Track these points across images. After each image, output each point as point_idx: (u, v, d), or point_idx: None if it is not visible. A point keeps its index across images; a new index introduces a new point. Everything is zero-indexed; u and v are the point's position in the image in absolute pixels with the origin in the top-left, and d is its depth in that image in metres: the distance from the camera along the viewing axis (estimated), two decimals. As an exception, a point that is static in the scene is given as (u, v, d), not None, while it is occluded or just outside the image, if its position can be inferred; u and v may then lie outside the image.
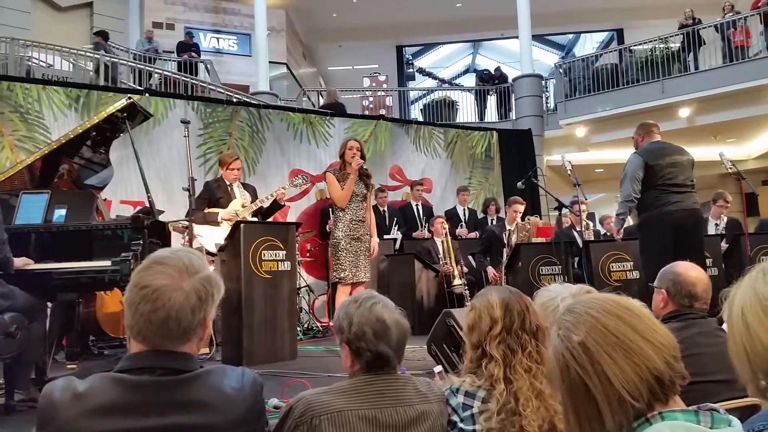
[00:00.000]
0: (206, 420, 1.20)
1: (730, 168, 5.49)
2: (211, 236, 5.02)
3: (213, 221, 5.07)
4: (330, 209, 4.98)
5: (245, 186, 5.47)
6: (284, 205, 5.48)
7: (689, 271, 2.29)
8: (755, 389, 1.04)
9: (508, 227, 6.63)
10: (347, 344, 1.63)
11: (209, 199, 5.22)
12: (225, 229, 5.04)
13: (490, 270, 6.55)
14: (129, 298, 1.25)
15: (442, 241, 6.76)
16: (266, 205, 5.32)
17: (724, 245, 6.37)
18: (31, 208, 3.70)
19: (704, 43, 11.40)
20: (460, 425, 1.71)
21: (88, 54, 10.70)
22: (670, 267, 2.32)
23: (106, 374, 1.22)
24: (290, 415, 1.54)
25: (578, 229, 6.30)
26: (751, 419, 1.07)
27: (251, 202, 5.30)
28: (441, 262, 6.74)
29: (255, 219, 5.17)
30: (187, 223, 4.59)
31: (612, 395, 0.95)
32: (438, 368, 2.57)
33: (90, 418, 1.14)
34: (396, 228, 7.51)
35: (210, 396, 1.23)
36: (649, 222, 4.62)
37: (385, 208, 7.63)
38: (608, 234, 7.00)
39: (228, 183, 5.31)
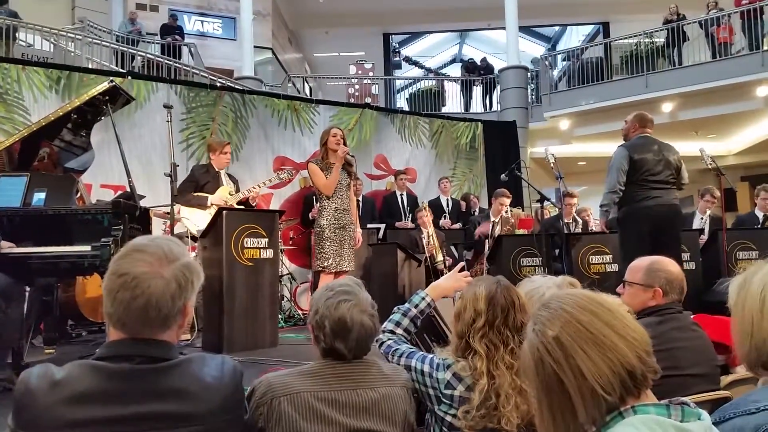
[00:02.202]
0: (185, 408, 1.20)
1: (710, 164, 5.56)
2: (198, 220, 4.99)
3: (201, 205, 5.04)
4: (314, 197, 4.97)
5: (229, 176, 5.45)
6: (255, 205, 5.46)
7: (673, 267, 2.33)
8: (747, 363, 1.10)
9: (492, 219, 6.66)
10: (311, 327, 1.68)
11: (197, 183, 5.18)
12: (211, 214, 5.02)
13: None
14: (108, 286, 1.24)
15: (428, 232, 6.77)
16: (248, 195, 5.31)
17: (703, 238, 6.48)
18: (10, 191, 3.64)
19: (688, 39, 11.50)
20: (438, 395, 1.78)
21: (69, 35, 10.51)
22: (656, 264, 2.33)
23: (84, 362, 1.21)
24: (252, 396, 1.57)
25: (566, 220, 6.34)
26: (722, 408, 1.11)
27: (236, 192, 5.31)
28: (426, 249, 6.77)
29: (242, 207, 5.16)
30: (168, 209, 4.55)
31: (585, 389, 0.97)
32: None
33: (68, 406, 1.14)
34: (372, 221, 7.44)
35: (189, 384, 1.23)
36: (628, 216, 4.68)
37: (360, 198, 7.35)
38: (591, 228, 7.07)
39: (216, 169, 5.28)
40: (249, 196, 5.29)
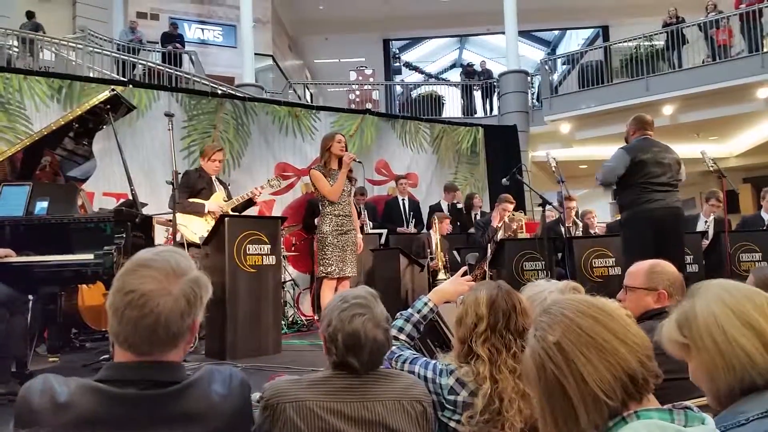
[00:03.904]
0: (193, 431, 1.18)
1: (712, 166, 5.55)
2: (194, 227, 4.94)
3: (197, 212, 4.98)
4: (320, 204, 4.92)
5: (220, 181, 5.37)
6: (256, 203, 5.43)
7: (672, 268, 2.33)
8: (730, 395, 1.10)
9: (495, 224, 6.66)
10: (323, 338, 1.65)
11: (192, 189, 5.10)
12: (207, 222, 4.98)
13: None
14: (113, 304, 1.19)
15: (437, 239, 6.80)
16: (242, 202, 5.23)
17: (705, 241, 6.47)
18: (13, 200, 3.66)
19: (687, 42, 11.51)
20: (442, 400, 1.77)
21: (71, 44, 10.55)
22: (657, 267, 2.32)
23: (88, 383, 1.17)
24: (262, 397, 1.57)
25: (566, 224, 6.35)
26: (722, 416, 1.11)
27: (227, 198, 5.22)
28: (429, 257, 6.79)
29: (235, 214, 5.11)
30: (170, 216, 4.55)
31: (587, 394, 0.97)
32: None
33: (73, 431, 1.11)
34: (371, 225, 7.44)
35: (197, 407, 1.20)
36: (630, 220, 4.67)
37: (362, 205, 7.38)
38: (589, 230, 7.07)
39: (209, 175, 5.20)
40: (251, 197, 5.23)
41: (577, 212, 7.22)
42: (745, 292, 1.18)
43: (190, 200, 5.02)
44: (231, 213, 4.98)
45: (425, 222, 7.88)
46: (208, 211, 5.01)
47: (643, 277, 2.30)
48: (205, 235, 4.89)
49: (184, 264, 1.25)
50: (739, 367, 1.10)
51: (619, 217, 6.69)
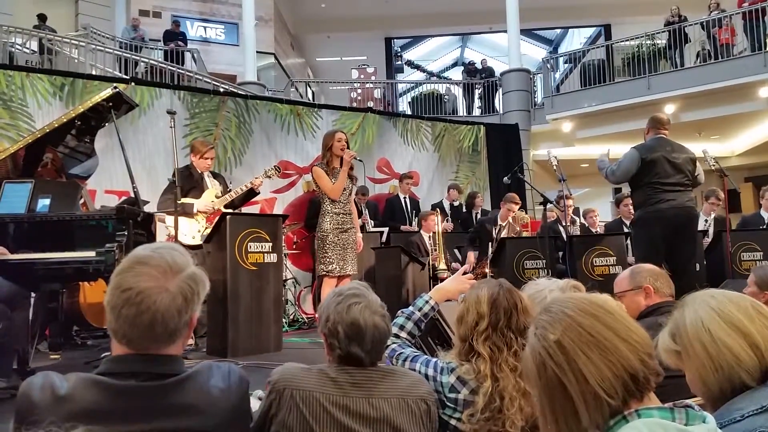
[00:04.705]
0: (192, 424, 1.19)
1: (713, 165, 5.55)
2: (184, 228, 4.82)
3: (188, 212, 4.86)
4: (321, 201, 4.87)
5: (215, 175, 5.26)
6: (259, 192, 5.32)
7: (652, 264, 2.40)
8: (721, 395, 1.13)
9: (499, 223, 6.66)
10: (324, 335, 1.65)
11: (180, 189, 4.97)
12: (198, 222, 4.94)
13: (471, 255, 6.57)
14: (111, 301, 1.20)
15: (430, 236, 6.79)
16: (240, 195, 5.11)
17: (707, 240, 6.47)
18: (15, 198, 3.66)
19: (690, 41, 11.49)
20: (443, 398, 1.77)
21: (73, 41, 10.56)
22: (637, 268, 2.41)
23: (88, 377, 1.18)
24: (270, 381, 1.58)
25: (564, 223, 6.36)
26: (717, 414, 1.12)
27: (223, 193, 5.10)
28: (430, 254, 6.79)
29: (229, 210, 4.97)
30: (165, 215, 4.53)
31: (588, 393, 0.97)
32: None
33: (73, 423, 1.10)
34: (372, 224, 7.43)
35: (196, 399, 1.21)
36: (641, 219, 4.66)
37: (363, 205, 7.37)
38: (591, 229, 7.07)
39: (200, 172, 5.07)
40: (251, 187, 5.12)
41: (575, 210, 7.21)
42: (730, 296, 1.23)
43: (181, 200, 4.93)
44: (225, 210, 4.90)
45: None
46: (197, 212, 4.92)
47: (627, 280, 2.39)
48: (196, 235, 4.88)
49: (181, 260, 1.26)
50: (727, 367, 1.14)
51: (619, 217, 6.71)
